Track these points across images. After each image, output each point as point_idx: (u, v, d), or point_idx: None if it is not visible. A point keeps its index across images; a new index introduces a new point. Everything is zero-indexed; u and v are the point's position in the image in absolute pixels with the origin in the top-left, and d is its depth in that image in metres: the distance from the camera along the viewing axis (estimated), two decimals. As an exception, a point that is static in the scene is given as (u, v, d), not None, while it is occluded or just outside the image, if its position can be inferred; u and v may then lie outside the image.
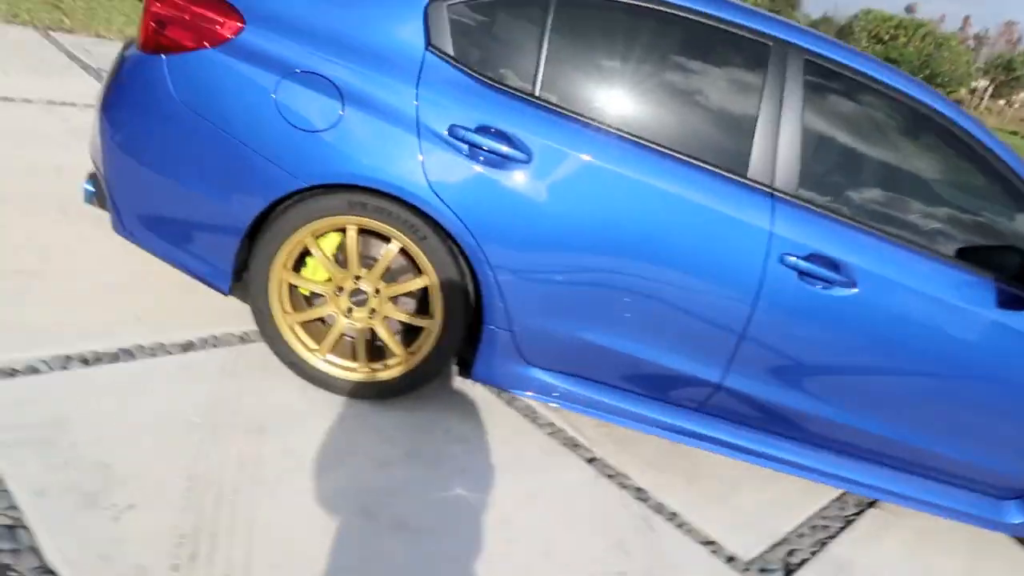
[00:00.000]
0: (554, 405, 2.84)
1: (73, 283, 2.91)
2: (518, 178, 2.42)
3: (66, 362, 2.47)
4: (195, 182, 2.49)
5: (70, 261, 3.05)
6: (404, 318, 2.67)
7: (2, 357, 2.40)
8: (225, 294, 2.65)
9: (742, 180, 2.50)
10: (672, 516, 2.73)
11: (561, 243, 2.46)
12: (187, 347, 2.77)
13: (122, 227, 2.64)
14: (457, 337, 2.64)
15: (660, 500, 2.80)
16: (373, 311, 2.65)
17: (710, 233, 2.47)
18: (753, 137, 2.51)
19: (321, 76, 2.38)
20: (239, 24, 2.40)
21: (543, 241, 2.45)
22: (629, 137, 2.49)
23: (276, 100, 2.38)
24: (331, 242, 2.63)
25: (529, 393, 2.76)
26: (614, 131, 2.49)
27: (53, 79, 5.00)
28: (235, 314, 3.03)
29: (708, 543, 2.67)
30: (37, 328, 2.59)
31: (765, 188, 2.50)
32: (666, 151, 2.49)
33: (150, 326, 2.80)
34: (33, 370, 2.39)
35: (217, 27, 2.41)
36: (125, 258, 3.14)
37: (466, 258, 2.53)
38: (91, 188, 2.71)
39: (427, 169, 2.39)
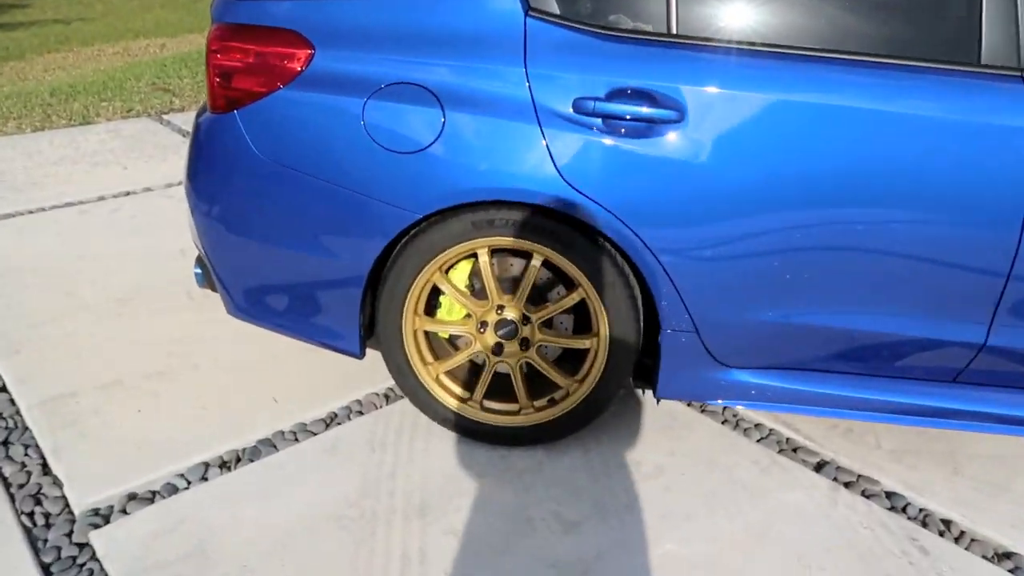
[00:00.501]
0: (764, 410, 2.33)
1: (205, 376, 2.70)
2: (672, 142, 1.94)
3: (205, 471, 2.23)
4: (297, 241, 2.19)
5: (200, 352, 2.85)
6: (564, 343, 2.25)
7: (140, 480, 2.18)
8: (359, 357, 2.33)
9: (977, 70, 1.91)
10: (944, 526, 2.15)
11: (743, 207, 1.95)
12: (330, 421, 2.47)
13: (234, 307, 2.38)
14: (631, 352, 2.19)
15: (922, 506, 2.22)
16: (525, 341, 2.26)
17: (957, 150, 1.88)
18: (979, 10, 1.92)
19: (410, 84, 2.02)
20: (309, 51, 2.08)
21: (717, 210, 1.96)
22: (814, 54, 1.94)
23: (366, 125, 2.03)
24: (462, 272, 2.27)
25: (731, 401, 2.27)
26: (793, 51, 1.94)
27: (170, 161, 5.01)
28: (375, 369, 2.72)
29: (1003, 556, 2.06)
30: (173, 437, 2.37)
31: (1012, 72, 1.90)
32: (868, 59, 1.92)
33: (288, 408, 2.54)
34: (172, 489, 2.15)
35: (286, 62, 2.10)
36: (253, 339, 2.92)
37: (624, 254, 2.08)
38: (199, 271, 2.48)
39: (557, 160, 1.97)
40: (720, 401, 2.27)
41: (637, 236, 2.01)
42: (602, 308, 2.14)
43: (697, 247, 2.02)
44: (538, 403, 2.33)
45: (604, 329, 2.17)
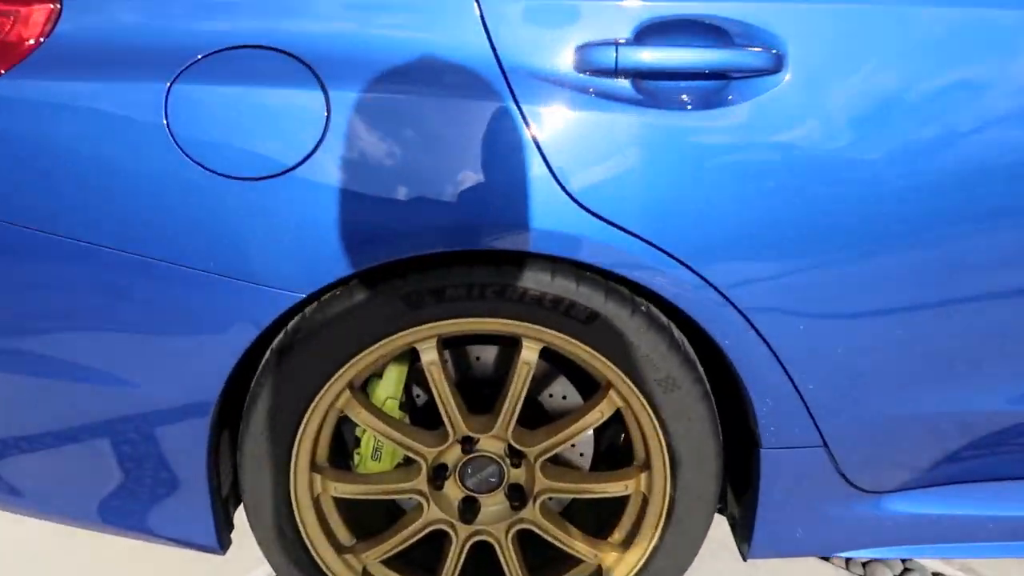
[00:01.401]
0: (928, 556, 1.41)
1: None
2: (763, 112, 1.03)
3: None
4: (72, 365, 1.16)
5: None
6: (588, 489, 1.29)
7: None
8: (219, 552, 1.31)
9: None
10: None
11: (907, 227, 1.05)
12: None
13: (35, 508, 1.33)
14: (708, 493, 1.24)
15: None
16: (518, 492, 1.28)
17: None
18: None
19: (258, 48, 1.04)
20: (51, 5, 1.08)
21: (858, 234, 1.06)
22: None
23: (173, 133, 1.04)
24: (392, 383, 1.28)
25: (876, 549, 1.35)
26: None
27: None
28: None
29: None
30: None
31: None
32: None
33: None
34: None
35: (8, 24, 1.09)
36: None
37: (687, 322, 1.16)
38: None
39: (552, 161, 1.03)
40: (856, 552, 1.35)
41: (711, 286, 1.08)
42: (654, 423, 1.19)
43: (826, 300, 1.11)
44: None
45: (660, 459, 1.22)
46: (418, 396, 1.35)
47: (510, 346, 1.29)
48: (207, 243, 1.05)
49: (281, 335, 1.15)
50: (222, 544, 1.29)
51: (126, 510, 1.25)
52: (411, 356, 1.28)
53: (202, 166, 1.04)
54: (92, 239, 1.06)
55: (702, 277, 1.08)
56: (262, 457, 1.20)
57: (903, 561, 1.61)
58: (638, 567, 1.28)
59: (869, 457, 1.24)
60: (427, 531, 1.27)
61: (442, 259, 1.10)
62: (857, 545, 1.32)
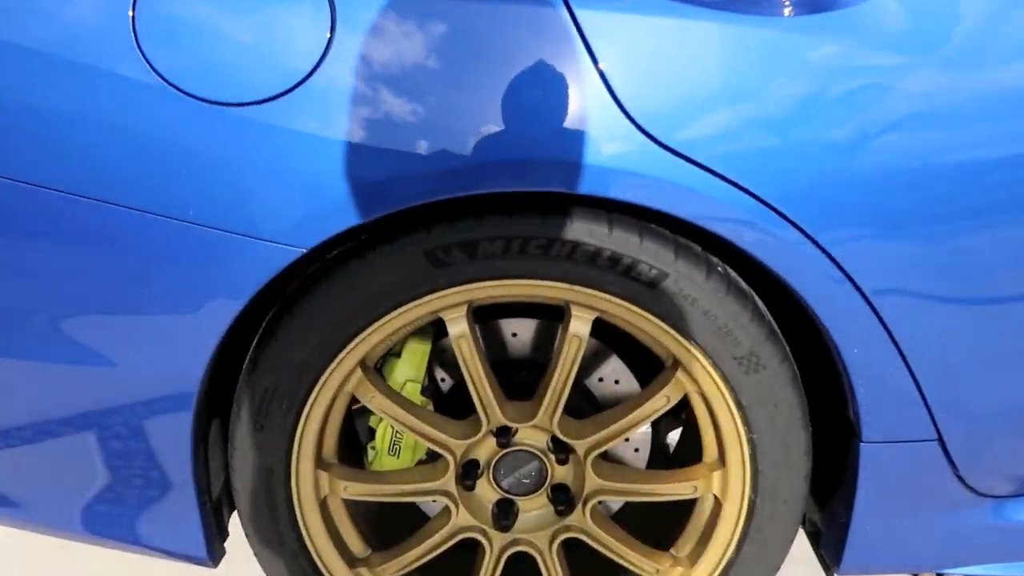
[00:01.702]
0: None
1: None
2: (894, 11, 0.82)
3: None
4: (34, 340, 0.97)
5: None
6: (649, 490, 1.08)
7: None
8: (211, 564, 1.11)
9: None
10: None
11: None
12: None
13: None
14: (796, 494, 1.03)
15: None
16: (563, 494, 1.07)
17: None
18: None
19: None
20: None
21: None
22: None
23: (143, 49, 0.84)
24: (410, 364, 1.08)
25: (987, 567, 1.13)
26: None
27: None
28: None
29: None
30: None
31: None
32: None
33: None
34: None
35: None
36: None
37: (786, 294, 0.94)
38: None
39: (613, 82, 0.82)
40: (966, 569, 1.13)
41: (825, 254, 0.87)
42: (732, 411, 0.98)
43: (965, 277, 0.89)
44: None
45: (738, 455, 1.01)
46: (443, 380, 1.14)
47: (554, 319, 1.09)
48: (183, 185, 0.85)
49: (278, 302, 0.95)
50: (213, 556, 1.09)
51: (110, 517, 1.06)
52: (435, 333, 1.08)
53: (178, 89, 0.84)
54: (43, 182, 0.87)
55: (815, 242, 0.86)
56: (257, 451, 1.00)
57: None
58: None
59: (992, 456, 1.02)
60: (455, 540, 1.07)
61: (473, 206, 0.89)
62: (968, 560, 1.10)
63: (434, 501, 1.07)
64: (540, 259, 0.90)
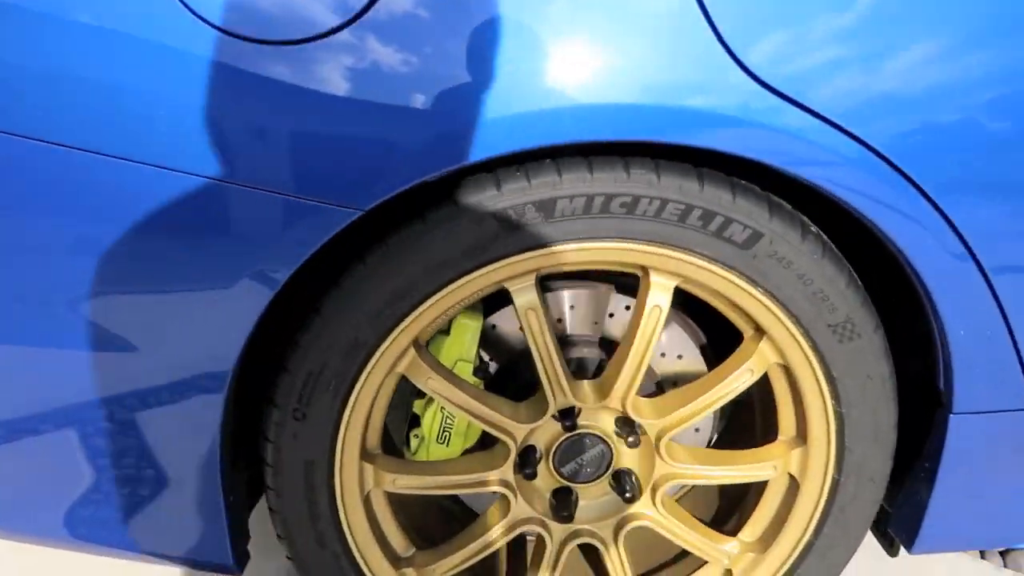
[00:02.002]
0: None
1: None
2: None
3: None
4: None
5: None
6: (725, 472, 1.00)
7: None
8: (236, 572, 1.00)
9: None
10: None
11: None
12: None
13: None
14: (882, 473, 0.96)
15: None
16: (628, 482, 0.99)
17: None
18: None
19: None
20: None
21: None
22: None
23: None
24: (457, 345, 0.97)
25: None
26: None
27: None
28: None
29: None
30: None
31: None
32: None
33: None
34: None
35: None
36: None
37: (893, 260, 0.85)
38: None
39: (718, 20, 0.74)
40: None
41: (944, 218, 0.80)
42: (821, 383, 0.90)
43: None
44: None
45: (824, 430, 0.94)
46: (490, 360, 1.05)
47: (624, 288, 1.00)
48: (217, 139, 0.74)
49: (324, 277, 0.84)
50: (239, 560, 0.98)
51: (101, 520, 0.93)
52: (483, 309, 0.98)
53: (217, 27, 0.72)
54: (61, 139, 0.74)
55: (940, 211, 0.79)
56: (296, 443, 0.88)
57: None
58: (783, 571, 1.00)
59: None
60: (514, 535, 0.97)
61: (549, 162, 0.80)
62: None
63: (494, 493, 0.97)
64: (624, 219, 0.81)
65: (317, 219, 0.77)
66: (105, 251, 0.77)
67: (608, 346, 1.01)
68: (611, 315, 1.01)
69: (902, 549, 1.10)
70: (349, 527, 0.94)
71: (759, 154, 0.76)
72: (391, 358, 0.87)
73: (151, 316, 0.80)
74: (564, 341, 1.03)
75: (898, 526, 1.05)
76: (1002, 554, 1.35)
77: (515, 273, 0.84)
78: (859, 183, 0.77)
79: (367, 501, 0.94)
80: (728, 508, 1.07)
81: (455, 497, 1.14)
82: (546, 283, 1.00)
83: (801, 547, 0.98)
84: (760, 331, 0.90)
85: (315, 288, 0.84)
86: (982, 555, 1.35)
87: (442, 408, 0.96)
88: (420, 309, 0.83)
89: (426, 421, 0.98)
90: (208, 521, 0.93)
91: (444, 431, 0.98)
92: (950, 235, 0.80)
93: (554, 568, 0.98)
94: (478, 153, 0.75)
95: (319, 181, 0.75)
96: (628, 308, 1.01)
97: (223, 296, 0.79)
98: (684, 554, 1.09)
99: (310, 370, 0.85)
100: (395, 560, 0.98)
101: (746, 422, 1.10)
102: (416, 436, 1.00)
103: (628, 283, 1.01)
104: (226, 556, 0.96)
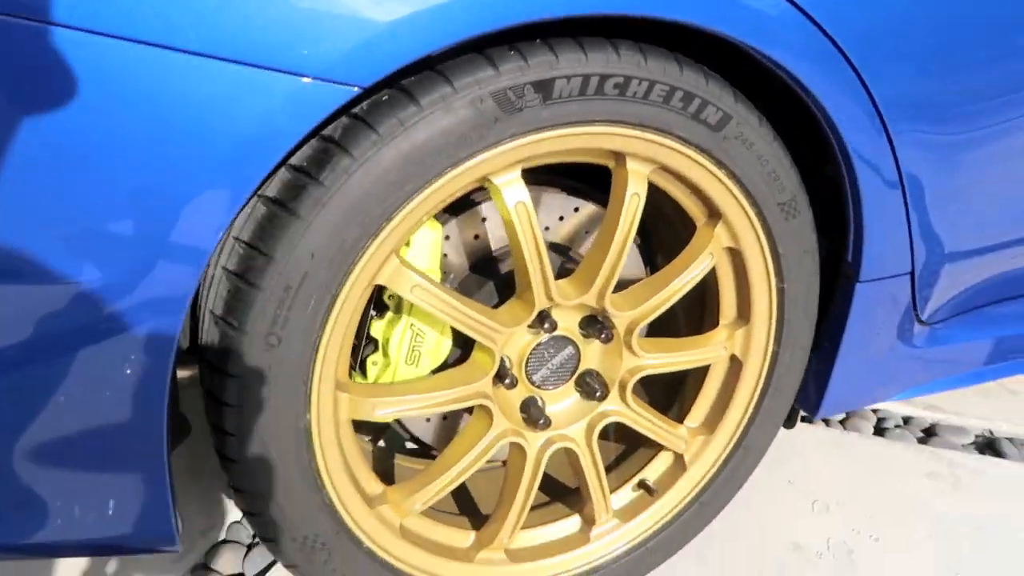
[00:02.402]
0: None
1: None
2: None
3: None
4: None
5: None
6: (682, 357, 1.02)
7: None
8: (176, 547, 0.84)
9: None
10: None
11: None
12: None
13: None
14: (807, 340, 1.06)
15: None
16: (593, 381, 0.98)
17: None
18: None
19: None
20: None
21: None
22: None
23: None
24: (420, 255, 0.90)
25: (916, 389, 1.28)
26: None
27: None
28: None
29: None
30: None
31: None
32: None
33: None
34: None
35: None
36: None
37: (820, 136, 0.91)
38: None
39: None
40: (901, 395, 1.28)
41: (867, 92, 0.88)
42: (767, 261, 0.97)
43: (962, 122, 0.97)
44: (620, 501, 1.09)
45: (767, 308, 1.01)
46: (446, 274, 0.98)
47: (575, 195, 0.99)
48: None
49: (302, 160, 0.73)
50: (177, 534, 0.83)
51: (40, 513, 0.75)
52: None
53: None
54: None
55: (862, 79, 0.87)
56: (267, 376, 0.76)
57: (874, 411, 1.61)
58: (729, 447, 1.07)
59: (940, 287, 1.15)
60: (495, 450, 0.93)
61: (540, 42, 0.77)
62: (905, 384, 1.25)
63: (471, 409, 0.91)
64: (616, 100, 0.80)
65: (301, 98, 0.66)
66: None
67: (560, 252, 1.00)
68: (561, 218, 1.00)
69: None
70: (326, 468, 0.83)
71: (735, 30, 0.80)
72: (375, 265, 0.78)
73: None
74: (489, 257, 1.00)
75: (802, 398, 1.17)
76: (841, 422, 1.58)
77: (506, 163, 0.80)
78: (786, 42, 0.82)
79: (338, 431, 0.84)
80: (666, 402, 1.12)
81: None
82: (464, 201, 0.97)
83: (745, 423, 1.06)
84: (713, 217, 0.95)
85: (296, 185, 0.73)
86: (826, 423, 1.56)
87: (411, 325, 0.89)
88: (409, 205, 0.76)
89: (393, 341, 0.89)
90: (151, 490, 0.78)
91: (413, 351, 0.90)
92: (865, 97, 0.90)
93: (534, 479, 0.96)
94: (472, 28, 0.69)
95: (300, 54, 0.65)
96: (577, 210, 1.00)
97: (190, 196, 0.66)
98: (629, 453, 1.13)
99: (287, 284, 0.74)
100: (368, 500, 0.89)
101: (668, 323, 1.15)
102: (374, 363, 0.91)
103: (574, 186, 1.01)
104: (168, 526, 0.80)
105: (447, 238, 0.95)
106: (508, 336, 0.89)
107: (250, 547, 1.16)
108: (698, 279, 0.96)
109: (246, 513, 0.84)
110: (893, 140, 0.94)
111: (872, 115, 0.90)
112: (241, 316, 0.74)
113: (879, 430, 1.54)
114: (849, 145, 0.91)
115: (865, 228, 0.99)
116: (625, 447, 1.14)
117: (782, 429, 1.22)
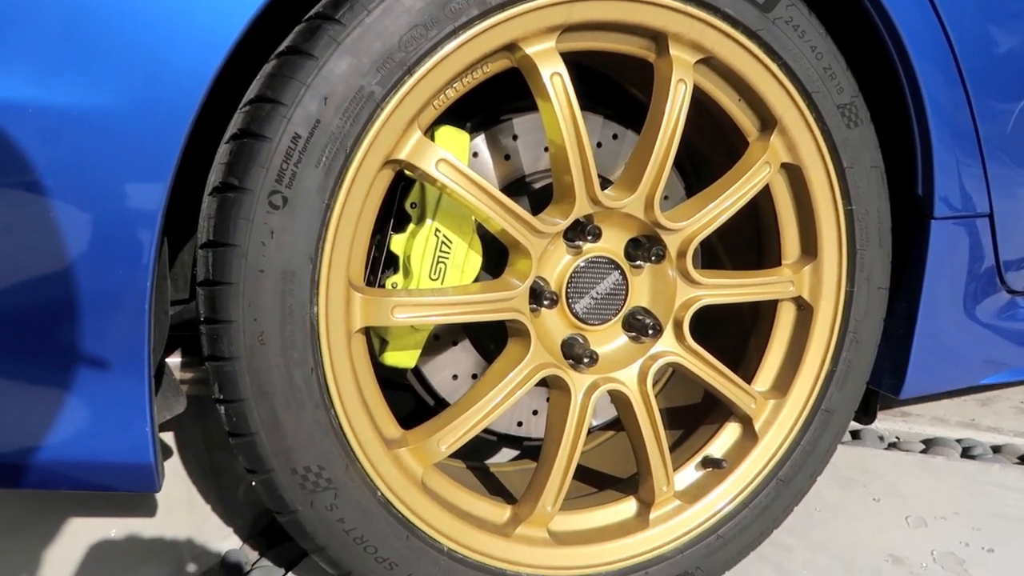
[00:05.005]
0: None
1: None
2: None
3: None
4: None
5: None
6: (749, 289, 0.88)
7: None
8: (156, 488, 0.69)
9: None
10: None
11: None
12: None
13: None
14: (886, 278, 0.92)
15: None
16: (645, 316, 0.85)
17: None
18: None
19: None
20: None
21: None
22: None
23: None
24: (446, 151, 0.80)
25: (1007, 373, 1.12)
26: None
27: None
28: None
29: None
30: None
31: None
32: None
33: None
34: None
35: None
36: None
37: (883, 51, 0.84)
38: None
39: None
40: (991, 377, 1.12)
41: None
42: (832, 179, 0.86)
43: None
44: (683, 481, 0.91)
45: (835, 237, 0.89)
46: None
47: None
48: None
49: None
50: (157, 479, 0.68)
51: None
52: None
53: None
54: None
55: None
56: (271, 244, 0.65)
57: (958, 440, 1.41)
58: (807, 411, 0.91)
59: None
60: (534, 381, 0.78)
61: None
62: (1001, 363, 1.09)
63: (516, 327, 0.78)
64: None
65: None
66: None
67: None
68: (599, 145, 0.91)
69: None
70: (335, 378, 0.69)
71: None
72: (394, 133, 0.68)
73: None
74: (521, 181, 0.91)
75: (882, 378, 1.02)
76: (923, 451, 1.39)
77: (538, 28, 0.72)
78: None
79: (350, 345, 0.71)
80: (731, 364, 0.97)
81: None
82: (493, 117, 0.89)
83: (822, 380, 0.91)
84: (767, 131, 0.85)
85: (308, 25, 0.66)
86: (905, 451, 1.37)
87: (436, 231, 0.78)
88: (433, 58, 0.68)
89: (416, 253, 0.78)
90: (128, 409, 0.65)
91: (438, 263, 0.79)
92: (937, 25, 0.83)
93: (582, 425, 0.80)
94: None
95: None
96: (616, 137, 0.91)
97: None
98: (689, 433, 0.96)
99: (296, 133, 0.64)
100: (385, 442, 0.74)
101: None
102: (394, 285, 0.80)
103: (612, 114, 0.93)
104: (148, 453, 0.66)
105: (475, 155, 0.86)
106: (546, 244, 0.78)
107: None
108: (752, 193, 0.85)
109: (234, 435, 0.69)
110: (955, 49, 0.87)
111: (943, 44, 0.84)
112: (242, 171, 0.64)
113: (968, 456, 1.35)
114: (913, 56, 0.84)
115: (935, 154, 0.90)
116: (683, 430, 0.98)
117: (858, 450, 1.05)
